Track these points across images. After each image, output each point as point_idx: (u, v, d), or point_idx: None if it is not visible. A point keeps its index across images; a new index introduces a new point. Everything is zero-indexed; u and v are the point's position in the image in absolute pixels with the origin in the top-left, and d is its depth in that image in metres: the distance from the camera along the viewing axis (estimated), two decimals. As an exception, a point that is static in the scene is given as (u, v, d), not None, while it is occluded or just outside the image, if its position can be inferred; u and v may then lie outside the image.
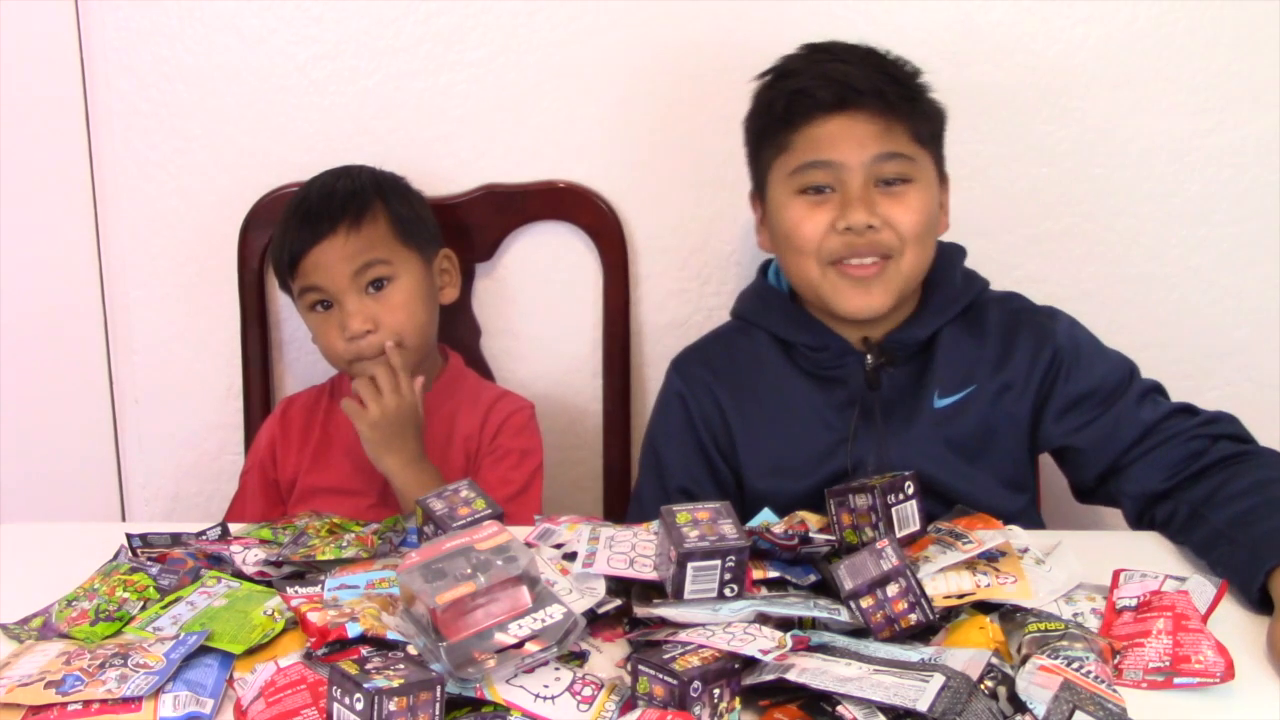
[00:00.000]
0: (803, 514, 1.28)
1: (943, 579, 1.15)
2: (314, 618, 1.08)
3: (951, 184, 1.50)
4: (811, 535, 1.20)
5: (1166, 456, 1.37)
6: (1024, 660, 1.02)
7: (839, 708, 0.97)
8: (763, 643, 1.01)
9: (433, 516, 1.22)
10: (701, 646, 1.00)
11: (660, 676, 0.97)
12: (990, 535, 1.22)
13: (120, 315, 1.85)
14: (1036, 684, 0.98)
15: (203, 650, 1.09)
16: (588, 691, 1.01)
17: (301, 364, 1.85)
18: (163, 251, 1.82)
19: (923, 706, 0.93)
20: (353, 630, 1.06)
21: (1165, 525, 1.34)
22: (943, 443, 1.44)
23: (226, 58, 1.75)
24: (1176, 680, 1.03)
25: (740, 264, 1.78)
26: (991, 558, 1.19)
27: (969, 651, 1.03)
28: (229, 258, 1.78)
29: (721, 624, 1.05)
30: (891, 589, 1.08)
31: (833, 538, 1.21)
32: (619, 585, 1.15)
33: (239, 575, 1.24)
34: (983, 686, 0.98)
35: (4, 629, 1.19)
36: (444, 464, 1.63)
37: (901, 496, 1.21)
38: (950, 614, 1.12)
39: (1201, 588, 1.14)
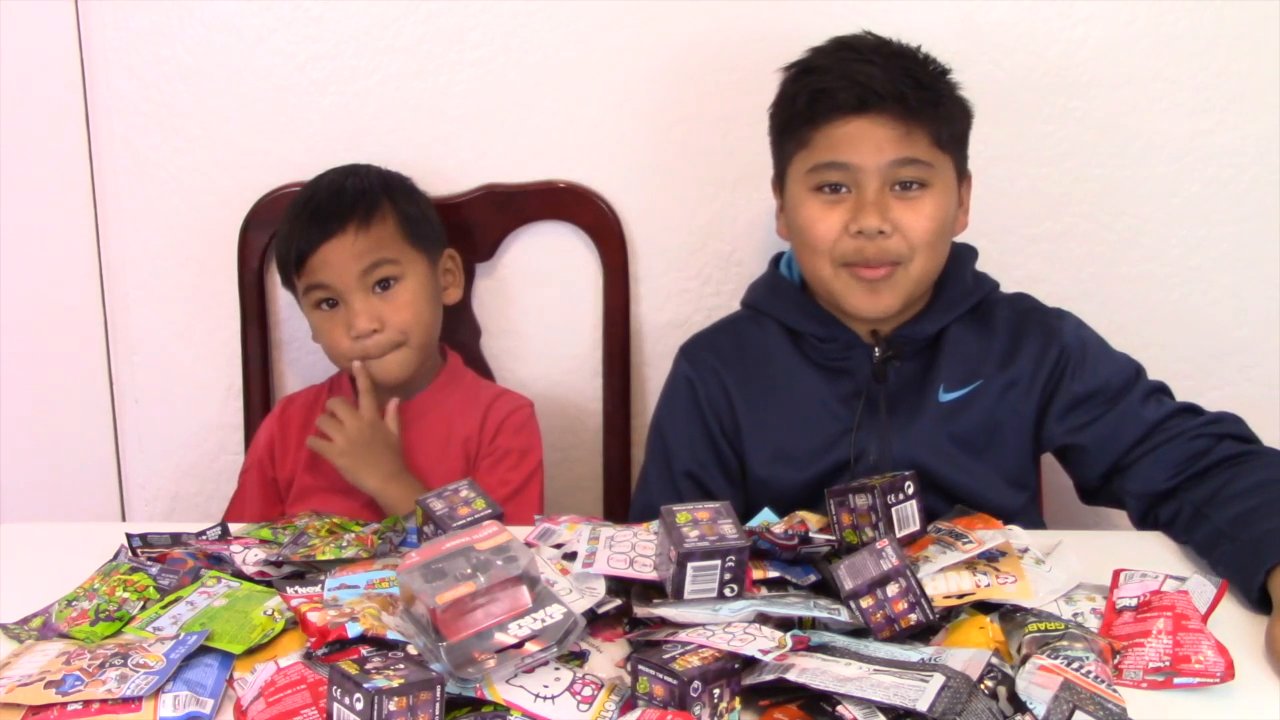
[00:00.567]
0: (803, 514, 1.28)
1: (943, 579, 1.15)
2: (314, 618, 1.08)
3: (951, 184, 1.50)
4: (811, 535, 1.20)
5: (1170, 455, 1.37)
6: (1024, 660, 1.02)
7: (839, 708, 0.97)
8: (763, 643, 1.01)
9: (433, 516, 1.22)
10: (701, 646, 1.00)
11: (660, 676, 0.97)
12: (990, 535, 1.22)
13: (120, 315, 1.85)
14: (1036, 684, 0.98)
15: (203, 650, 1.09)
16: (588, 691, 1.01)
17: (301, 364, 1.85)
18: (163, 251, 1.82)
19: (923, 706, 0.93)
20: (353, 630, 1.06)
21: (1169, 525, 1.34)
22: (946, 437, 1.45)
23: (226, 58, 1.75)
24: (1176, 680, 1.04)
25: (740, 264, 1.78)
26: (991, 558, 1.19)
27: (969, 651, 1.03)
28: (229, 258, 1.78)
29: (721, 624, 1.05)
30: (891, 589, 1.08)
31: (833, 538, 1.21)
32: (619, 585, 1.15)
33: (239, 575, 1.24)
34: (983, 686, 0.98)
35: (4, 629, 1.19)
36: (443, 463, 1.63)
37: (901, 496, 1.21)
38: (950, 614, 1.12)
39: (1201, 588, 1.14)
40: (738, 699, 0.99)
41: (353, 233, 1.57)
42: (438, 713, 0.94)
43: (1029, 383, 1.46)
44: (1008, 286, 1.55)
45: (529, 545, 1.23)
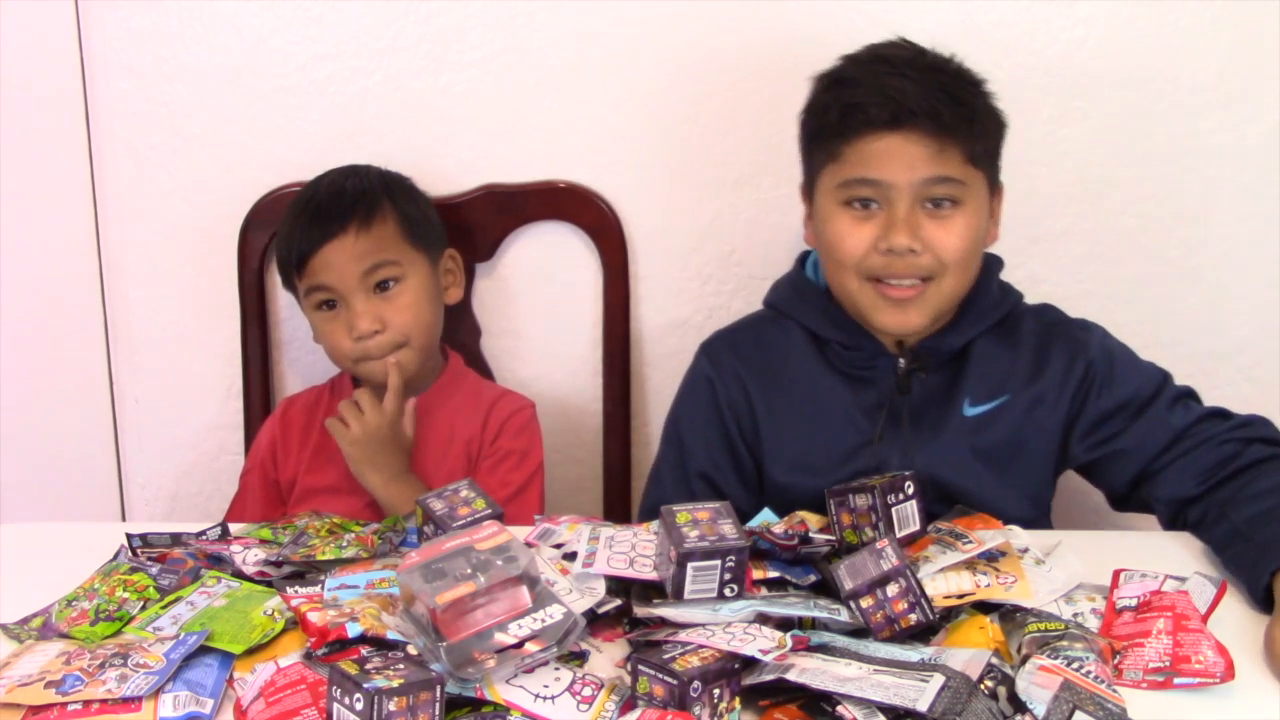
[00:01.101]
0: (803, 514, 1.28)
1: (943, 579, 1.15)
2: (314, 618, 1.08)
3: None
4: (811, 535, 1.20)
5: (1199, 462, 1.37)
6: (1024, 660, 1.02)
7: (839, 708, 0.97)
8: (763, 643, 1.01)
9: (433, 516, 1.22)
10: (701, 646, 1.01)
11: (660, 676, 0.97)
12: (990, 535, 1.22)
13: (120, 315, 1.85)
14: (1036, 684, 0.98)
15: (203, 650, 1.09)
16: (588, 691, 1.01)
17: (301, 364, 1.85)
18: (163, 251, 1.82)
19: (923, 706, 0.93)
20: (353, 630, 1.06)
21: (1196, 526, 1.34)
22: (970, 451, 1.43)
23: (226, 58, 1.75)
24: (1176, 680, 1.04)
25: (740, 264, 1.78)
26: (991, 558, 1.19)
27: (969, 651, 1.03)
28: (229, 258, 1.78)
29: (721, 624, 1.05)
30: (891, 589, 1.08)
31: (833, 538, 1.21)
32: (619, 585, 1.15)
33: (239, 575, 1.24)
34: (983, 686, 0.98)
35: (4, 629, 1.19)
36: (444, 464, 1.63)
37: (901, 496, 1.21)
38: (950, 614, 1.12)
39: (1201, 588, 1.14)
40: (738, 699, 0.99)
41: (353, 234, 1.57)
42: (438, 713, 0.94)
43: (1055, 398, 1.44)
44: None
45: (529, 545, 1.23)
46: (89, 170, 1.79)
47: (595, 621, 1.13)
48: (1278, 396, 1.73)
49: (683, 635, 1.04)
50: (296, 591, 1.16)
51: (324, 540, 1.27)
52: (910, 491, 1.21)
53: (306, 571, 1.23)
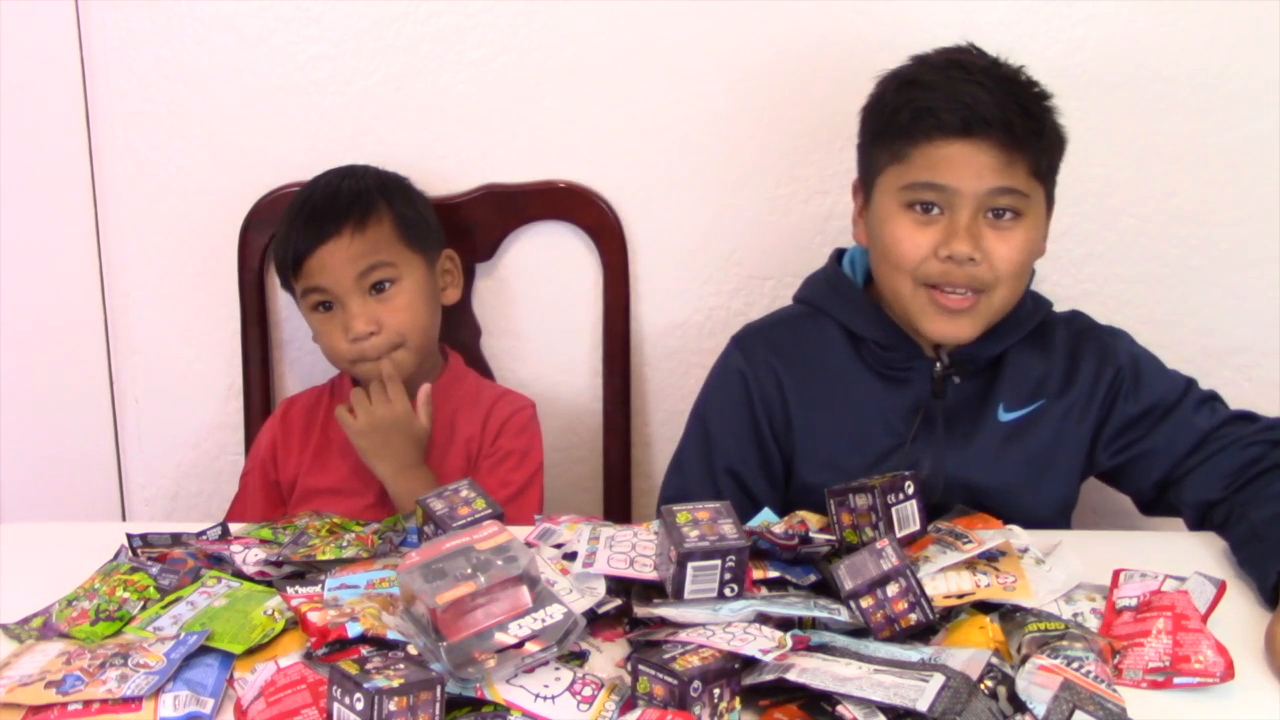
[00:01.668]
0: (803, 514, 1.28)
1: (943, 579, 1.15)
2: (314, 618, 1.08)
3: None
4: (811, 535, 1.20)
5: (1224, 465, 1.37)
6: (1024, 660, 1.02)
7: (839, 708, 0.97)
8: (763, 643, 1.01)
9: (433, 516, 1.22)
10: (701, 646, 1.01)
11: (660, 676, 0.97)
12: (990, 535, 1.22)
13: (120, 315, 1.85)
14: (1036, 684, 0.98)
15: (203, 650, 1.09)
16: (588, 691, 1.01)
17: (301, 364, 1.85)
18: (163, 251, 1.82)
19: (923, 706, 0.93)
20: (353, 630, 1.06)
21: (1220, 528, 1.34)
22: (1003, 458, 1.44)
23: (226, 58, 1.75)
24: (1176, 680, 1.04)
25: (740, 264, 1.78)
26: (991, 558, 1.19)
27: (969, 651, 1.03)
28: (229, 258, 1.78)
29: (721, 624, 1.05)
30: (891, 589, 1.08)
31: (833, 538, 1.21)
32: (619, 585, 1.15)
33: (239, 575, 1.24)
34: (983, 686, 0.98)
35: (4, 629, 1.19)
36: (444, 464, 1.63)
37: (901, 496, 1.21)
38: (950, 614, 1.12)
39: (1201, 588, 1.14)
40: (738, 699, 0.99)
41: (348, 235, 1.57)
42: (438, 713, 0.94)
43: (1085, 404, 1.45)
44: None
45: (529, 545, 1.23)
46: (89, 170, 1.79)
47: (595, 621, 1.13)
48: (1277, 396, 1.73)
49: (683, 635, 1.04)
50: (297, 591, 1.16)
51: (324, 540, 1.27)
52: (910, 491, 1.21)
53: (306, 571, 1.23)
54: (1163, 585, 1.14)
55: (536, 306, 1.82)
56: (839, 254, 1.55)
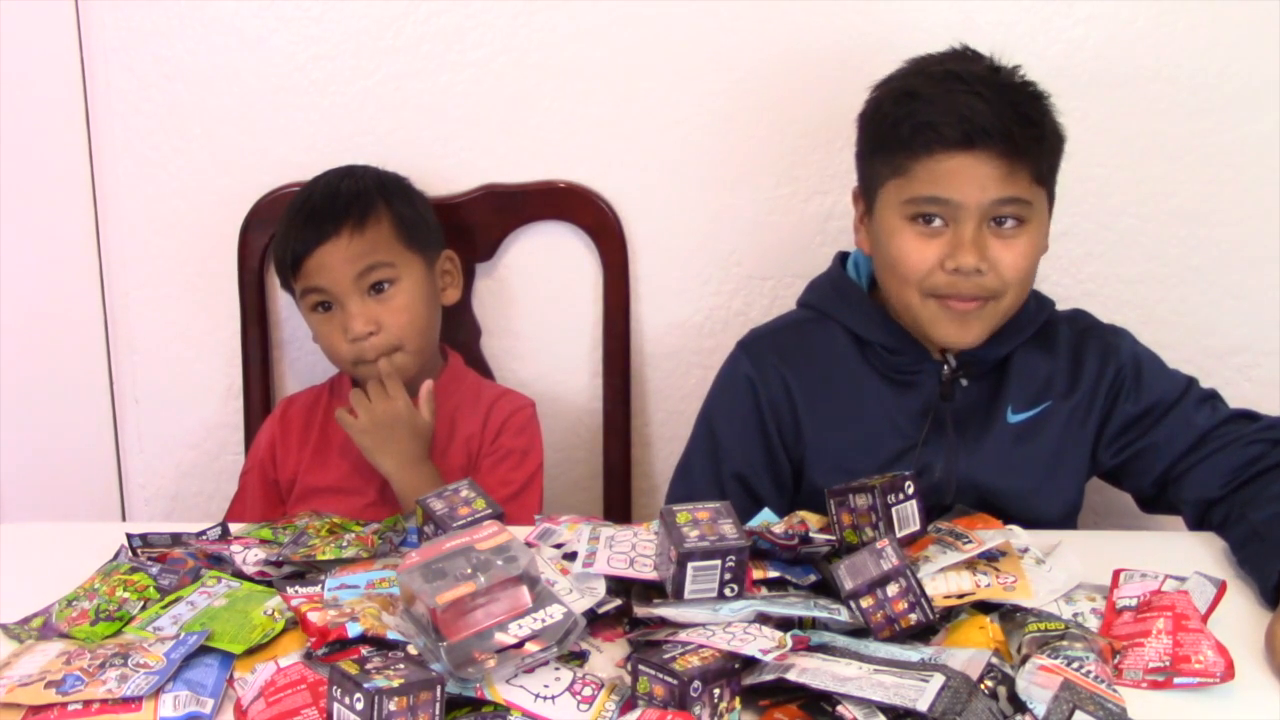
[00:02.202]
0: (803, 514, 1.28)
1: (943, 579, 1.15)
2: (314, 618, 1.08)
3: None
4: (811, 535, 1.20)
5: (1224, 463, 1.37)
6: (1024, 660, 1.02)
7: (839, 708, 0.97)
8: (763, 643, 1.01)
9: (433, 516, 1.22)
10: (701, 646, 1.00)
11: (660, 676, 0.97)
12: (990, 535, 1.22)
13: (120, 315, 1.85)
14: (1036, 684, 0.98)
15: (203, 650, 1.09)
16: (588, 691, 1.01)
17: (301, 364, 1.85)
18: (163, 251, 1.82)
19: (923, 706, 0.93)
20: (353, 630, 1.06)
21: (1220, 527, 1.34)
22: (1015, 459, 1.44)
23: (226, 58, 1.75)
24: (1176, 680, 1.04)
25: (740, 264, 1.78)
26: (991, 558, 1.19)
27: (969, 651, 1.03)
28: (229, 258, 1.78)
29: (721, 624, 1.05)
30: (891, 589, 1.08)
31: (833, 538, 1.21)
32: (619, 585, 1.15)
33: (239, 575, 1.24)
34: (983, 686, 0.98)
35: (4, 629, 1.19)
36: (444, 464, 1.63)
37: (901, 496, 1.21)
38: (950, 614, 1.12)
39: (1201, 587, 1.14)
40: (738, 699, 0.99)
41: (347, 236, 1.57)
42: (438, 713, 0.94)
43: (1089, 404, 1.45)
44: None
45: (529, 545, 1.23)
46: (89, 170, 1.79)
47: (595, 621, 1.13)
48: (1277, 396, 1.73)
49: (683, 635, 1.03)
50: (296, 591, 1.16)
51: (324, 540, 1.27)
52: (910, 491, 1.21)
53: (306, 571, 1.23)
54: (1163, 585, 1.14)
55: (536, 306, 1.82)
56: (842, 257, 1.55)
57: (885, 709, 0.96)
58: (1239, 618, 1.16)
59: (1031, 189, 1.37)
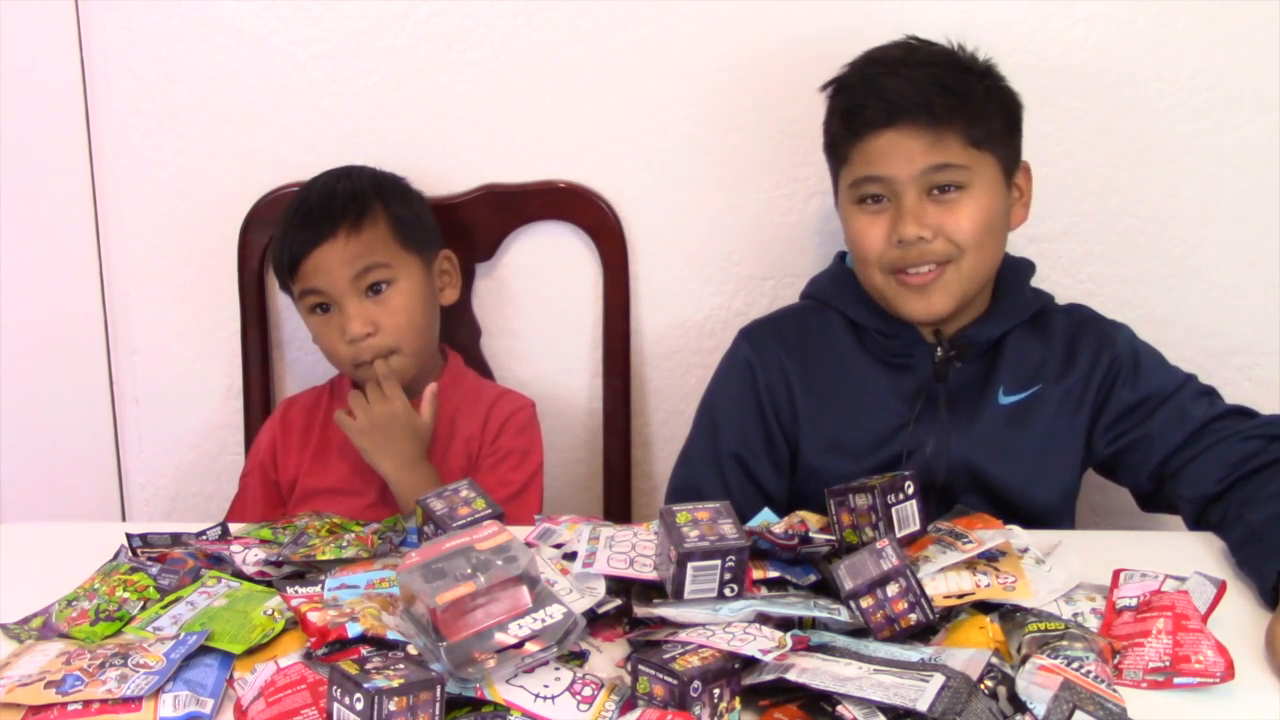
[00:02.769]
0: (803, 514, 1.28)
1: (943, 579, 1.15)
2: (314, 618, 1.08)
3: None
4: (811, 535, 1.20)
5: (1220, 458, 1.37)
6: (1024, 660, 1.02)
7: (839, 708, 0.97)
8: (763, 643, 1.01)
9: (433, 516, 1.22)
10: (701, 646, 1.00)
11: (660, 676, 0.97)
12: (990, 535, 1.22)
13: (120, 315, 1.85)
14: (1036, 684, 0.98)
15: (203, 650, 1.09)
16: (588, 691, 1.01)
17: (301, 364, 1.85)
18: (163, 251, 1.82)
19: (923, 706, 0.93)
20: (353, 630, 1.06)
21: (1217, 527, 1.35)
22: (1003, 439, 1.46)
23: (226, 58, 1.75)
24: (1176, 680, 1.04)
25: (740, 264, 1.78)
26: (991, 558, 1.19)
27: (969, 651, 1.03)
28: (229, 258, 1.78)
29: (721, 624, 1.05)
30: (891, 589, 1.08)
31: (833, 538, 1.21)
32: (619, 585, 1.15)
33: (239, 575, 1.24)
34: (983, 686, 0.98)
35: (4, 629, 1.19)
36: (445, 464, 1.63)
37: (901, 496, 1.21)
38: (950, 614, 1.12)
39: (1201, 587, 1.14)
40: (738, 699, 0.99)
41: (343, 237, 1.57)
42: (438, 713, 0.94)
43: (1082, 390, 1.47)
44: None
45: (529, 545, 1.23)
46: (89, 170, 1.79)
47: (595, 621, 1.13)
48: (1277, 396, 1.73)
49: (683, 635, 1.03)
50: (296, 591, 1.16)
51: (324, 540, 1.27)
52: (910, 491, 1.21)
53: (306, 571, 1.23)
54: (1163, 585, 1.14)
55: (536, 306, 1.82)
56: (842, 255, 1.59)
57: (885, 709, 0.96)
58: (1239, 618, 1.16)
59: (965, 153, 1.41)
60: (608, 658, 1.10)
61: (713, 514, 1.12)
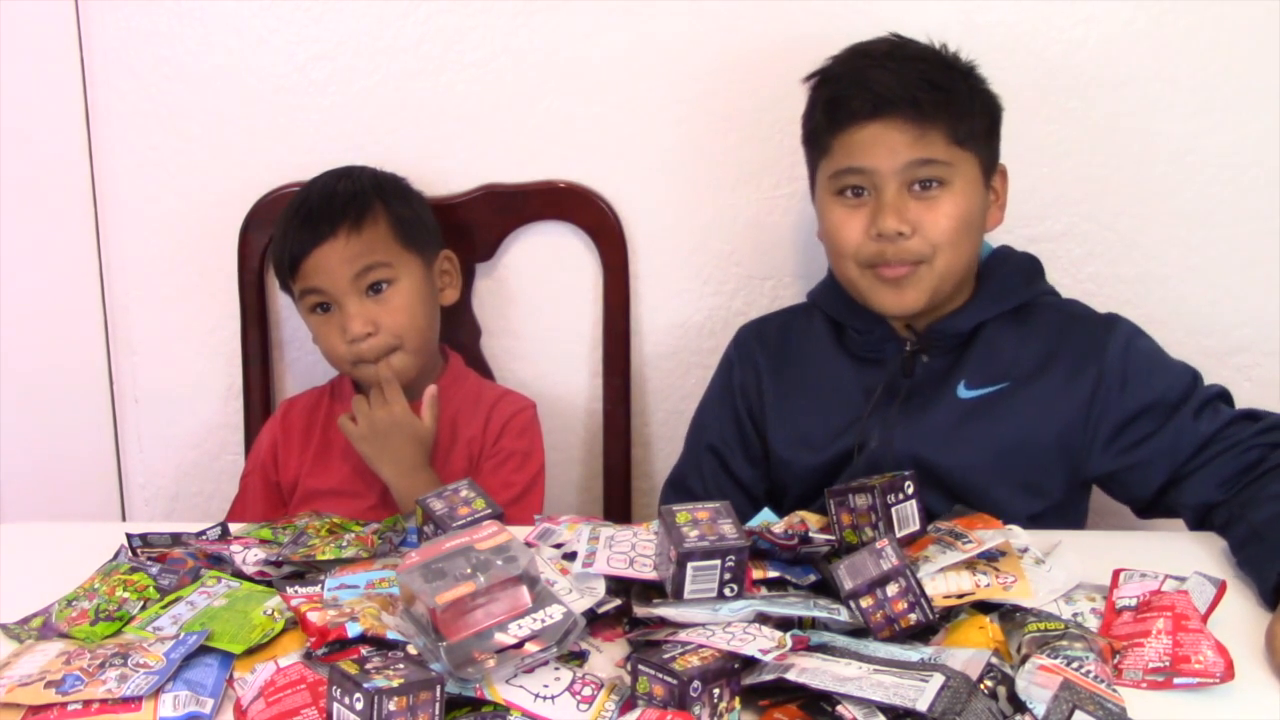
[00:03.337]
0: (803, 514, 1.28)
1: (943, 579, 1.15)
2: (314, 618, 1.08)
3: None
4: (811, 535, 1.20)
5: (1224, 469, 1.36)
6: (1024, 660, 1.02)
7: (839, 708, 0.97)
8: (763, 643, 1.01)
9: (433, 516, 1.22)
10: (701, 646, 1.00)
11: (660, 676, 0.97)
12: (990, 535, 1.22)
13: (120, 315, 1.85)
14: (1036, 684, 0.98)
15: (203, 650, 1.09)
16: (587, 691, 1.01)
17: (301, 364, 1.85)
18: (163, 251, 1.82)
19: (922, 706, 0.93)
20: (353, 630, 1.06)
21: (1221, 530, 1.34)
22: (962, 435, 1.44)
23: (226, 58, 1.75)
24: (1176, 680, 1.04)
25: (740, 264, 1.78)
26: (991, 558, 1.19)
27: (969, 651, 1.03)
28: (229, 258, 1.78)
29: (721, 624, 1.05)
30: (891, 589, 1.08)
31: (833, 538, 1.21)
32: (619, 585, 1.15)
33: (239, 575, 1.24)
34: (982, 686, 0.98)
35: (4, 629, 1.19)
36: (446, 465, 1.63)
37: (901, 496, 1.21)
38: (950, 614, 1.12)
39: (1201, 588, 1.14)
40: (737, 699, 0.99)
41: (344, 237, 1.57)
42: (438, 713, 0.94)
43: (1057, 396, 1.44)
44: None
45: (529, 545, 1.23)
46: (89, 170, 1.79)
47: (595, 621, 1.13)
48: (1277, 396, 1.73)
49: (683, 635, 1.03)
50: (296, 591, 1.16)
51: (324, 540, 1.27)
52: (910, 491, 1.21)
53: (306, 571, 1.23)
54: (1163, 585, 1.14)
55: (536, 306, 1.82)
56: None
57: (885, 709, 0.96)
58: (1239, 618, 1.16)
59: (948, 150, 1.42)
60: (608, 658, 1.10)
61: (713, 514, 1.12)
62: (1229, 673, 1.03)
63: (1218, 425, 1.39)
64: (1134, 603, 1.13)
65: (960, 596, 1.12)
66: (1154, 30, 1.67)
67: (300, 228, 1.59)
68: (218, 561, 1.27)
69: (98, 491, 1.91)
